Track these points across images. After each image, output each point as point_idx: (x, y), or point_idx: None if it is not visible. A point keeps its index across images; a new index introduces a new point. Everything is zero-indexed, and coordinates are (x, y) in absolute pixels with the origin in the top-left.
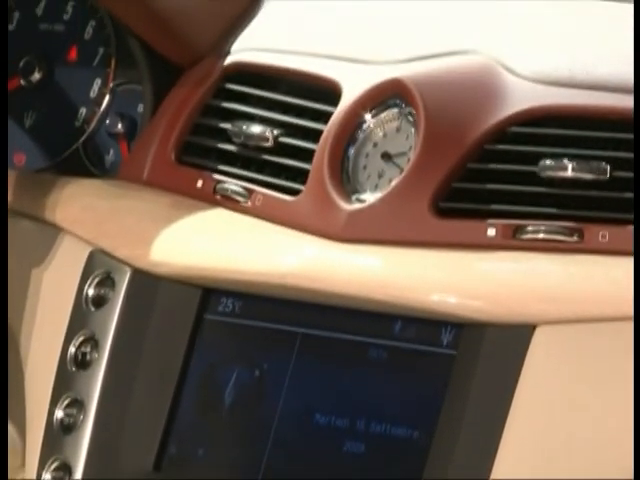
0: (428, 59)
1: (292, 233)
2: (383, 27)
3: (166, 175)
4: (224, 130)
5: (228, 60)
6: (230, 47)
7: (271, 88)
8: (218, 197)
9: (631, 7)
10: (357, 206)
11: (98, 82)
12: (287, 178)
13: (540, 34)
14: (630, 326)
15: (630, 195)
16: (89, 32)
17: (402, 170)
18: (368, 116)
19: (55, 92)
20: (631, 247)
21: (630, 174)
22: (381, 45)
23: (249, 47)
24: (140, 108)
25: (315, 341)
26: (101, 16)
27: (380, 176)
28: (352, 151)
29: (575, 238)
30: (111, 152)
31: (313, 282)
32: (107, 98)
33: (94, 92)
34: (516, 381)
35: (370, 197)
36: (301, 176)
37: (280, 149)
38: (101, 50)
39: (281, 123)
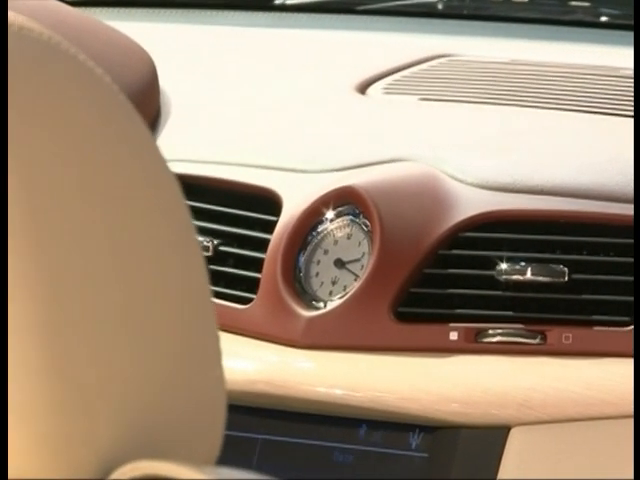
0: (367, 167)
1: (248, 341)
2: (312, 137)
3: None
4: None
5: None
6: None
7: (199, 198)
8: None
9: (569, 114)
10: (315, 313)
11: None
12: (228, 286)
13: (476, 141)
14: (604, 424)
15: (590, 297)
16: None
17: (356, 277)
18: (319, 224)
19: None
20: (596, 347)
21: (589, 276)
22: (314, 154)
23: (170, 158)
24: None
25: (276, 446)
26: None
27: (334, 283)
28: (302, 259)
29: (538, 340)
30: None
31: (283, 388)
32: None
33: None
34: None
35: (327, 303)
36: (244, 284)
37: (221, 258)
38: None
39: (219, 233)
